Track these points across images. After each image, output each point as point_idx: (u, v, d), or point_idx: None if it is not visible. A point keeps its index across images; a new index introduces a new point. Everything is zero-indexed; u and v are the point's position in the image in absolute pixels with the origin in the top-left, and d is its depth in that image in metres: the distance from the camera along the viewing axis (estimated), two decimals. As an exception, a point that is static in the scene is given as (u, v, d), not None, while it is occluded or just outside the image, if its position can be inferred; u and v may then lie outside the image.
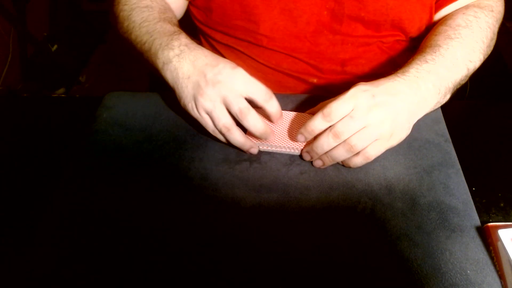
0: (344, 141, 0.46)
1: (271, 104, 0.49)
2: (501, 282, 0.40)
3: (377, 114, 0.45)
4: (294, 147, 0.51)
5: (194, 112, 0.49)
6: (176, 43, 0.51)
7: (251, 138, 0.51)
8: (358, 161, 0.48)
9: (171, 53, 0.50)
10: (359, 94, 0.46)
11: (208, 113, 0.48)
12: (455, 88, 0.53)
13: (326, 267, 0.42)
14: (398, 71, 0.50)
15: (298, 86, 0.70)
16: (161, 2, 0.62)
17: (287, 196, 0.48)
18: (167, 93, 0.61)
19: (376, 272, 0.41)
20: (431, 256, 0.42)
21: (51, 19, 1.93)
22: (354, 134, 0.45)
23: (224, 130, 0.48)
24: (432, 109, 0.51)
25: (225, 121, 0.47)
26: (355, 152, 0.47)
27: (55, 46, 1.92)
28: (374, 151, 0.47)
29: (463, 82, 0.55)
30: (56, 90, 1.78)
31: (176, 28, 0.55)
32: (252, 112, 0.47)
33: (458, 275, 0.41)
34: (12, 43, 1.67)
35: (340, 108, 0.45)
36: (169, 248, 0.44)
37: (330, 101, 0.51)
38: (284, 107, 0.58)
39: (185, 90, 0.49)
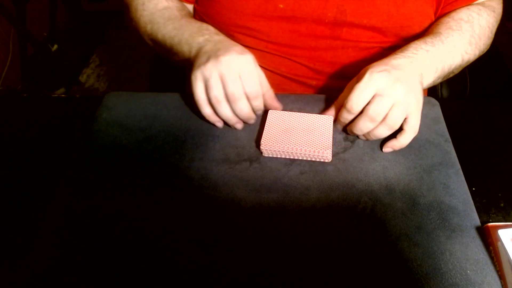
0: (384, 121, 0.48)
1: (255, 102, 0.52)
2: (501, 282, 0.40)
3: (400, 88, 0.47)
4: (298, 153, 0.51)
5: (193, 78, 0.51)
6: (206, 32, 0.56)
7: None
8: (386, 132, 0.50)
9: (201, 38, 0.55)
10: (376, 75, 0.48)
11: (204, 82, 0.50)
12: (449, 75, 0.56)
13: (326, 267, 0.42)
14: (397, 51, 0.53)
15: (297, 88, 0.70)
16: (175, 1, 0.65)
17: (287, 196, 0.48)
18: (167, 93, 0.61)
19: (376, 272, 0.41)
20: (431, 256, 0.42)
21: (51, 19, 1.93)
22: (388, 112, 0.47)
23: (214, 101, 0.50)
24: (427, 86, 0.54)
25: (217, 93, 0.50)
26: (396, 128, 0.49)
27: (55, 46, 1.93)
28: (415, 121, 0.49)
29: (456, 71, 0.58)
30: (56, 90, 1.78)
31: (201, 22, 0.60)
32: (243, 98, 0.50)
33: (458, 275, 0.41)
34: (12, 43, 1.67)
35: (361, 98, 0.48)
36: (169, 247, 0.44)
37: (339, 101, 0.55)
38: (284, 107, 0.58)
39: (198, 60, 0.52)
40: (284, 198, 0.48)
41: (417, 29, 0.62)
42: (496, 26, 0.63)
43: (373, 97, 0.47)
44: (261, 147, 0.51)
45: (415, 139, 0.52)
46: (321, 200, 0.48)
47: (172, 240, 0.44)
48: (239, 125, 0.54)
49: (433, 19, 0.63)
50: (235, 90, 0.49)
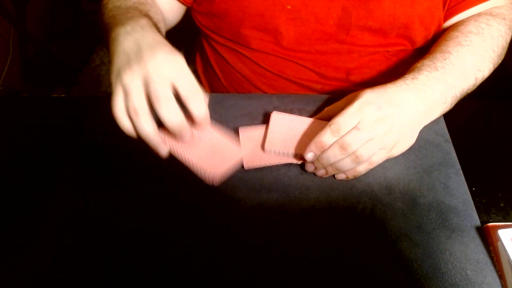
0: (352, 153, 0.45)
1: (195, 102, 0.42)
2: (501, 282, 0.40)
3: (382, 127, 0.45)
4: (293, 157, 0.50)
5: (113, 87, 0.43)
6: (131, 22, 0.46)
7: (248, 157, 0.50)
8: (362, 169, 0.48)
9: (122, 30, 0.46)
10: (365, 107, 0.45)
11: (124, 90, 0.41)
12: (462, 97, 0.52)
13: (326, 267, 0.42)
14: (408, 75, 0.50)
15: (301, 92, 0.70)
16: (146, 0, 0.59)
17: (287, 196, 0.48)
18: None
19: (376, 272, 0.42)
20: (431, 256, 0.42)
21: (51, 19, 1.93)
22: (360, 147, 0.45)
23: (132, 113, 0.41)
24: (436, 118, 0.51)
25: (136, 101, 0.40)
26: (361, 163, 0.46)
27: (55, 46, 1.92)
28: (377, 158, 0.47)
29: (470, 91, 0.54)
30: (56, 90, 1.78)
31: (142, 15, 0.51)
32: (172, 101, 0.40)
33: (458, 275, 0.41)
34: (12, 43, 1.67)
35: (347, 122, 0.45)
36: (169, 248, 0.44)
37: (333, 109, 0.52)
38: (284, 107, 0.58)
39: (115, 63, 0.43)
40: (284, 198, 0.48)
41: (423, 31, 0.61)
42: (510, 34, 0.60)
43: (351, 128, 0.45)
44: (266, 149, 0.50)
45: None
46: (321, 200, 0.48)
47: (172, 240, 0.44)
48: (163, 148, 0.43)
49: (441, 21, 0.62)
50: (162, 91, 0.40)
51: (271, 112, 0.54)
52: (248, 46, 0.65)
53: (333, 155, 0.46)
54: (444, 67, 0.51)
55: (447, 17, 0.62)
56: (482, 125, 0.59)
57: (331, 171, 0.49)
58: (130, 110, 0.41)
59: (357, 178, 0.49)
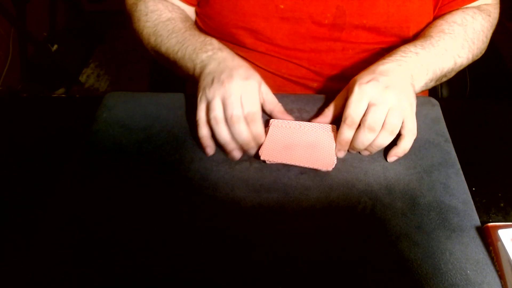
0: (383, 128, 0.47)
1: (252, 125, 0.49)
2: (501, 282, 0.40)
3: (392, 95, 0.47)
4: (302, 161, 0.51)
5: (198, 100, 0.51)
6: (210, 47, 0.55)
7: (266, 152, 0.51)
8: (407, 142, 0.49)
9: (205, 55, 0.54)
10: (365, 87, 0.48)
11: (207, 103, 0.50)
12: (441, 79, 0.56)
13: (326, 267, 0.42)
14: (385, 56, 0.53)
15: (298, 90, 0.70)
16: (178, 11, 0.64)
17: (287, 196, 0.48)
18: (167, 93, 0.61)
19: (376, 272, 0.41)
20: (431, 256, 0.42)
21: (51, 19, 1.93)
22: (386, 118, 0.47)
23: (213, 122, 0.49)
24: (421, 89, 0.53)
25: (217, 113, 0.49)
26: (396, 133, 0.48)
27: (55, 46, 1.93)
28: (412, 125, 0.49)
29: (449, 75, 0.57)
30: (56, 90, 1.78)
31: (205, 35, 0.59)
32: (242, 122, 0.48)
33: (458, 275, 0.41)
34: (12, 43, 1.67)
35: (358, 109, 0.47)
36: (169, 248, 0.44)
37: (334, 107, 0.54)
38: (284, 107, 0.58)
39: (203, 82, 0.52)
40: (284, 198, 0.48)
41: (416, 29, 0.62)
42: (491, 31, 0.63)
43: (367, 108, 0.47)
44: (261, 157, 0.50)
45: (415, 140, 0.52)
46: (321, 200, 0.48)
47: (172, 240, 0.44)
48: (237, 153, 0.51)
49: (432, 19, 0.63)
50: (234, 112, 0.48)
51: (270, 119, 0.55)
52: (243, 46, 0.65)
53: (366, 139, 0.48)
54: (423, 45, 0.55)
55: (438, 14, 0.63)
56: (482, 125, 0.59)
57: (373, 150, 0.50)
58: (211, 120, 0.49)
59: (357, 178, 0.49)
